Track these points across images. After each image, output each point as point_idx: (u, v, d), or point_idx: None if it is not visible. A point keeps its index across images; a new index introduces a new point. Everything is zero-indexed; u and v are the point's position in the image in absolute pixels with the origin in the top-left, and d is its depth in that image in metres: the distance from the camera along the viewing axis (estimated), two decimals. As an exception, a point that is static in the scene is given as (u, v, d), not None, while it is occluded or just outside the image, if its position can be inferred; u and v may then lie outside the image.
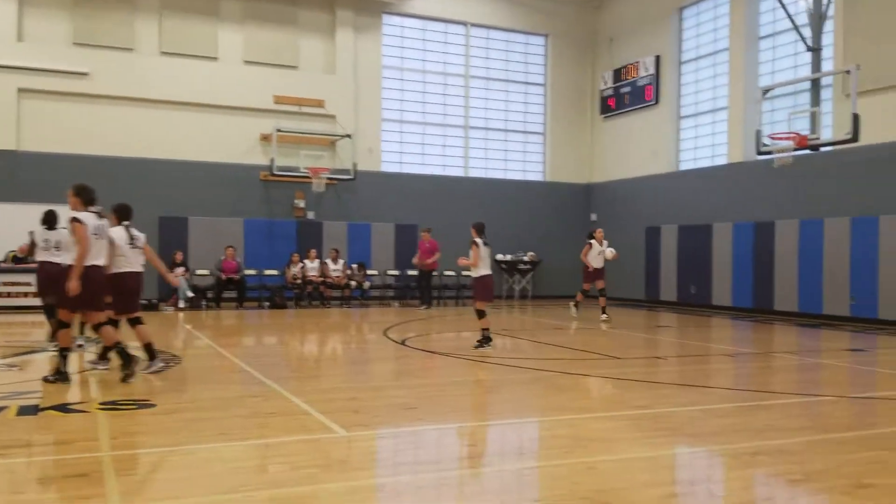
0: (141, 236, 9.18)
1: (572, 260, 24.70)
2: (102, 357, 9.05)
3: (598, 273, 16.59)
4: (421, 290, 19.72)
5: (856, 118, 14.57)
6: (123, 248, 8.83)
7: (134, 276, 8.98)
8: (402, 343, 12.20)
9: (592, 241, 16.53)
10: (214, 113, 20.62)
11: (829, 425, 6.61)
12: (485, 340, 11.16)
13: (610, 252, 16.39)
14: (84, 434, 5.91)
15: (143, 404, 7.00)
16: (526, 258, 23.71)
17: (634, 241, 22.88)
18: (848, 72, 15.23)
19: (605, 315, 16.22)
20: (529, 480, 4.99)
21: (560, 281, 24.55)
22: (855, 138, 14.69)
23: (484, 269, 11.26)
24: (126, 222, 9.07)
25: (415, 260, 19.60)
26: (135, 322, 8.96)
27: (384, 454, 5.69)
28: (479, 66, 24.25)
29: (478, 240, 11.21)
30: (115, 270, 8.68)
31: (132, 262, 8.94)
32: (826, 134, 16.51)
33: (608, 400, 7.81)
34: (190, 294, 18.56)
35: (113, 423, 6.27)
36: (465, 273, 19.39)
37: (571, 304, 17.17)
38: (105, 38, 19.59)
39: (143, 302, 17.73)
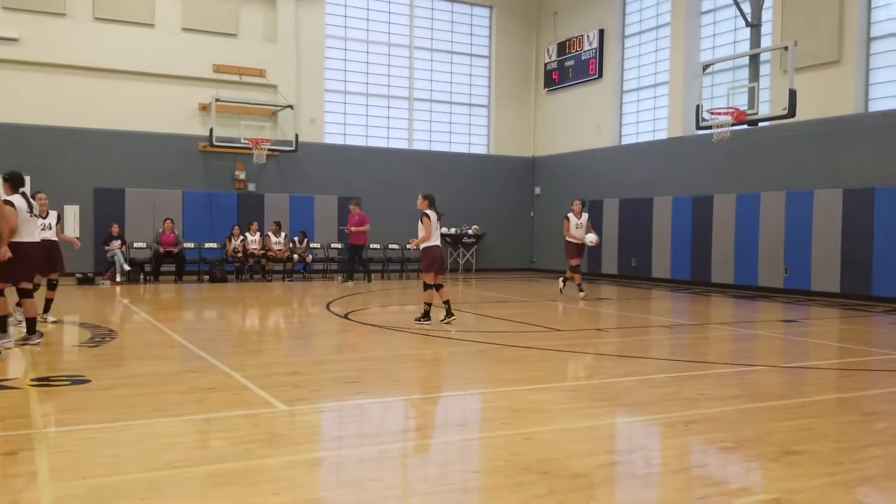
0: (36, 204, 9.09)
1: (516, 233, 24.98)
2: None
3: (583, 247, 15.62)
4: (352, 263, 19.35)
5: (792, 94, 14.86)
6: (24, 217, 8.60)
7: (37, 246, 8.82)
8: (345, 317, 12.15)
9: (570, 215, 15.62)
10: (151, 81, 20.10)
11: (761, 394, 6.79)
12: (424, 316, 10.96)
13: (590, 238, 15.28)
14: (14, 411, 5.74)
15: (76, 380, 6.85)
16: (470, 231, 23.77)
17: (577, 214, 23.11)
18: (786, 48, 15.49)
19: (562, 285, 15.73)
20: (469, 452, 5.02)
21: (504, 254, 24.77)
22: (791, 114, 14.99)
23: (433, 240, 11.00)
24: (22, 189, 8.84)
25: (346, 228, 19.24)
26: (24, 294, 8.77)
27: (325, 428, 5.67)
28: (423, 38, 24.08)
29: (429, 212, 10.95)
30: (16, 240, 8.45)
31: (33, 231, 8.77)
32: (763, 109, 16.80)
33: (548, 371, 7.88)
34: (127, 268, 18.16)
35: (45, 400, 6.12)
36: (408, 245, 19.23)
37: (577, 287, 15.61)
38: (36, 2, 18.86)
39: (79, 276, 17.46)
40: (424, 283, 11.12)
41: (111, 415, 5.66)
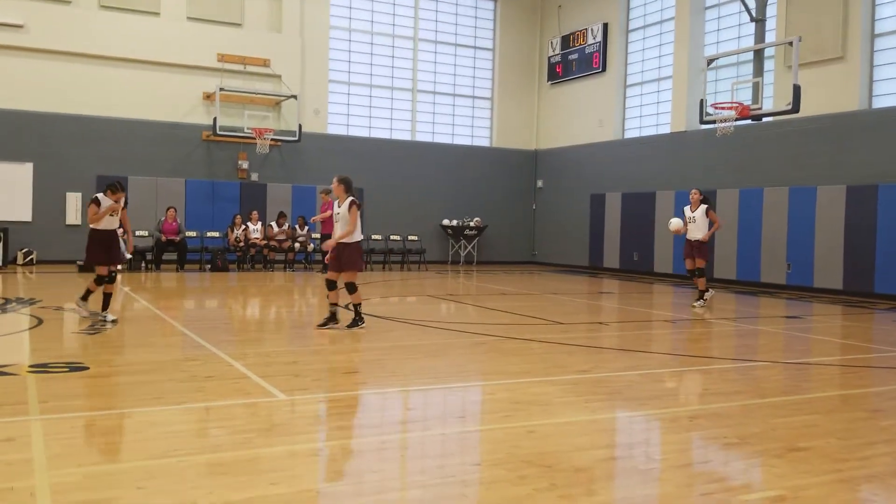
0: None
1: (518, 226, 24.92)
2: None
3: (693, 247, 13.20)
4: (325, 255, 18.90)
5: (797, 89, 14.78)
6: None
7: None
8: (346, 307, 12.08)
9: (686, 208, 13.43)
10: (156, 70, 20.04)
11: (765, 390, 6.74)
12: (359, 318, 9.59)
13: (673, 223, 13.24)
14: (12, 397, 5.70)
15: (75, 367, 6.81)
16: (472, 224, 23.71)
17: (579, 208, 23.06)
18: (790, 43, 15.40)
19: (700, 301, 13.21)
20: (470, 444, 4.98)
21: (505, 247, 24.72)
22: (795, 109, 14.91)
23: (358, 234, 9.55)
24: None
25: (315, 218, 19.08)
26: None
27: (324, 418, 5.62)
28: (428, 29, 24.00)
29: (354, 200, 9.44)
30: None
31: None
32: (767, 104, 16.73)
33: (549, 364, 7.83)
34: (128, 256, 18.09)
35: (43, 386, 6.07)
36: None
37: (697, 293, 13.45)
38: (40, -12, 18.84)
39: (80, 263, 17.39)
40: (349, 283, 9.52)
41: (109, 402, 5.63)
